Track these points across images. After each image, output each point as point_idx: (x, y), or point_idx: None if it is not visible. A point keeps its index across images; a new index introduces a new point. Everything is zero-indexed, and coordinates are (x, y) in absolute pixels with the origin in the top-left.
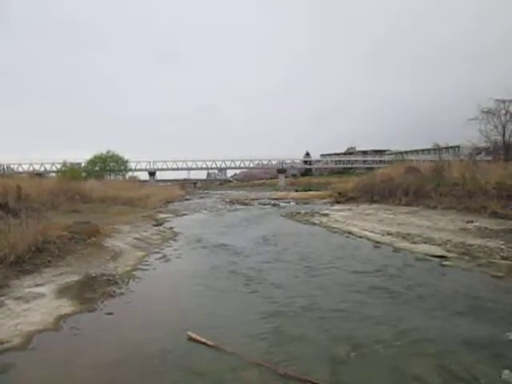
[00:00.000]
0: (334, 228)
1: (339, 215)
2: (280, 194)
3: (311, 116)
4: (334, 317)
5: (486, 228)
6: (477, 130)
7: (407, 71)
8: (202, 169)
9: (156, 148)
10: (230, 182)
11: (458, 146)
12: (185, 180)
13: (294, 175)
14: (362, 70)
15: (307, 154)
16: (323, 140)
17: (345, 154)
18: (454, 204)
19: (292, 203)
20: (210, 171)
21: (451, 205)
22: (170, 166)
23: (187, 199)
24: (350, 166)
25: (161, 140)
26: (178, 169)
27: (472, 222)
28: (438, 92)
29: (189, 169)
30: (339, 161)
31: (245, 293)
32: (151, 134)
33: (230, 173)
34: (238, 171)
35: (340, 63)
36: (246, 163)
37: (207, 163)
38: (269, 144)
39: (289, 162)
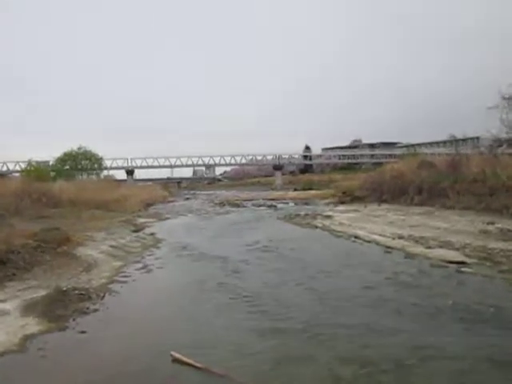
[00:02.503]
0: (339, 232)
1: (344, 217)
2: (276, 193)
3: (310, 105)
4: (338, 333)
5: (510, 230)
6: (497, 120)
7: (419, 56)
8: (186, 166)
9: (134, 143)
10: (220, 180)
11: (478, 138)
12: (168, 179)
13: (292, 172)
14: (367, 54)
15: (307, 148)
16: (324, 132)
17: (350, 147)
18: (474, 203)
19: (290, 204)
20: (196, 169)
21: (470, 204)
22: (150, 164)
23: (170, 201)
24: (355, 161)
25: (139, 133)
26: (159, 166)
27: (493, 223)
28: (455, 79)
29: (172, 166)
30: (343, 155)
31: (236, 307)
32: (127, 127)
33: (218, 170)
34: (228, 168)
35: (342, 46)
36: (238, 159)
37: (193, 160)
38: (263, 137)
39: (286, 157)
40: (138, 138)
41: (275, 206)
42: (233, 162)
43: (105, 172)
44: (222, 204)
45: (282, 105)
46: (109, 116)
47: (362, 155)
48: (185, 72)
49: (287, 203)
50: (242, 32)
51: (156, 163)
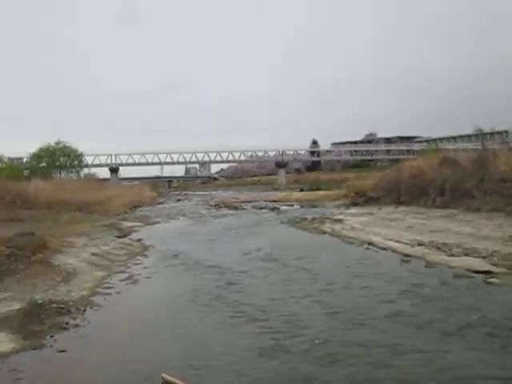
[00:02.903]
0: (351, 238)
1: (356, 221)
2: (280, 194)
3: (318, 93)
4: (351, 352)
5: None
6: None
7: (444, 43)
8: (178, 163)
9: (118, 137)
10: (216, 179)
11: (506, 132)
12: (157, 178)
13: (297, 170)
14: (385, 36)
15: (314, 143)
16: (334, 124)
17: (363, 142)
18: (502, 205)
19: (296, 206)
20: (188, 166)
21: (498, 206)
22: (137, 161)
23: (160, 203)
24: (369, 157)
25: (124, 127)
26: (147, 163)
27: None
28: (482, 67)
29: (161, 163)
30: (356, 151)
31: (234, 323)
32: (112, 120)
33: (214, 168)
34: (225, 166)
35: (354, 26)
36: (236, 155)
37: (185, 156)
38: (264, 130)
39: (291, 153)
40: (124, 130)
41: (278, 209)
42: (230, 158)
43: (86, 170)
44: (218, 206)
45: (285, 93)
46: (91, 105)
47: (376, 151)
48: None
49: (292, 205)
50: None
51: (144, 160)
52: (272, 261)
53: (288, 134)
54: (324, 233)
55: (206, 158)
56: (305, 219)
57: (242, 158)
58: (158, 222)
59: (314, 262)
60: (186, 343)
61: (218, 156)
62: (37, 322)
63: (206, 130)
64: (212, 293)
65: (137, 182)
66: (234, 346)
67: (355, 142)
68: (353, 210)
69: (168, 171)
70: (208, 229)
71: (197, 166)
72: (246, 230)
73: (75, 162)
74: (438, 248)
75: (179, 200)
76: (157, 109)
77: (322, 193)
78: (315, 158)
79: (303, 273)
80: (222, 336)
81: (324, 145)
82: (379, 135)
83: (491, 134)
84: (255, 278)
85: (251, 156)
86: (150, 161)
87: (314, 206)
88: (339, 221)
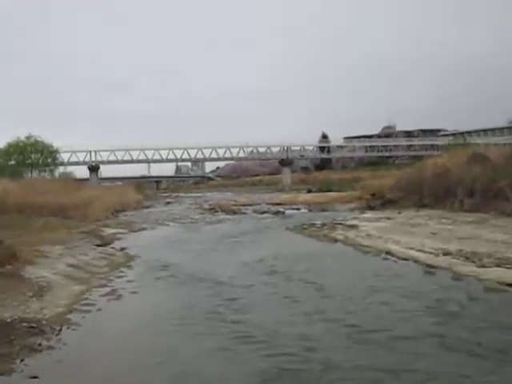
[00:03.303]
0: (366, 246)
1: (373, 227)
2: (285, 196)
3: (329, 81)
4: (367, 378)
5: None
6: None
7: (474, 27)
8: (167, 161)
9: (99, 131)
10: (211, 179)
11: None
12: (143, 178)
13: (304, 169)
14: (408, 20)
15: (324, 138)
16: (347, 117)
17: (380, 136)
18: None
19: (303, 210)
20: (179, 164)
21: None
22: (120, 158)
23: (147, 206)
24: (387, 153)
25: (105, 120)
26: (132, 161)
27: None
28: None
29: (148, 161)
30: (372, 147)
31: (235, 349)
32: (91, 112)
33: (209, 166)
34: (221, 164)
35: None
36: (234, 152)
37: (175, 153)
38: (266, 124)
39: (297, 149)
40: (105, 124)
41: (283, 213)
42: (228, 155)
43: (61, 168)
44: (213, 210)
45: (292, 81)
46: (62, 95)
47: (395, 146)
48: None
49: (298, 209)
50: None
51: (128, 157)
52: (276, 274)
53: (293, 128)
54: (336, 241)
55: (200, 155)
56: (313, 225)
57: (241, 154)
58: (144, 229)
59: (324, 275)
60: (177, 372)
61: (214, 153)
62: (5, 344)
63: (199, 124)
64: (207, 312)
65: (120, 183)
66: (232, 371)
67: (371, 136)
68: (368, 215)
69: (156, 170)
70: (202, 237)
71: (189, 164)
72: (245, 238)
73: (49, 160)
74: (467, 258)
75: (169, 203)
76: (142, 100)
77: (332, 194)
78: (325, 155)
79: (312, 287)
80: (220, 364)
81: (335, 140)
82: (399, 128)
83: None
84: (257, 294)
85: (251, 153)
86: (135, 158)
87: (324, 210)
88: (353, 227)
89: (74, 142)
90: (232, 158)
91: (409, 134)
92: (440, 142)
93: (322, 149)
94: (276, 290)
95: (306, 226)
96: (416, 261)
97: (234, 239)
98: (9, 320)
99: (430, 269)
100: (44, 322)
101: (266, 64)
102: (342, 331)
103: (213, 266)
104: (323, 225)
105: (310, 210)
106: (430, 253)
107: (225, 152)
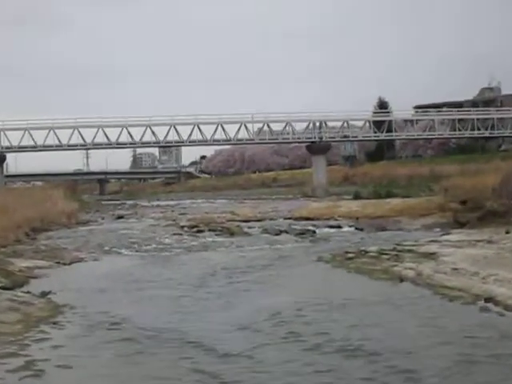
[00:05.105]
0: (453, 288)
1: (464, 256)
2: (315, 205)
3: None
4: None
5: None
6: None
7: None
8: (118, 146)
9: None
10: (192, 177)
11: None
12: (78, 175)
13: (349, 159)
14: None
15: (381, 107)
16: (417, 73)
17: (474, 104)
18: None
19: (346, 228)
20: (139, 153)
21: None
22: (40, 142)
23: (85, 222)
24: (487, 133)
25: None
26: (59, 147)
27: None
28: None
29: (87, 146)
30: (462, 122)
31: None
32: None
33: (189, 155)
34: (209, 150)
35: None
36: (231, 130)
37: (131, 132)
38: (286, 85)
39: (337, 125)
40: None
41: (313, 233)
42: (220, 137)
43: None
44: (195, 229)
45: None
46: None
47: (501, 121)
48: None
49: (339, 227)
50: None
51: (52, 141)
52: (301, 338)
53: (331, 93)
54: (401, 280)
55: (174, 137)
56: (364, 253)
57: (243, 135)
58: (81, 260)
59: (383, 339)
60: None
61: (197, 132)
62: None
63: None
64: None
65: (40, 183)
66: None
67: (460, 105)
68: (456, 236)
69: (99, 162)
70: (178, 273)
71: (156, 152)
72: (248, 277)
73: None
74: None
75: (121, 217)
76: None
77: (396, 202)
78: (384, 136)
79: (364, 360)
80: None
81: (400, 110)
82: (504, 91)
83: None
84: (271, 375)
85: (260, 132)
86: (64, 142)
87: (383, 229)
88: (431, 256)
89: None
90: (228, 141)
91: None
92: None
93: (378, 125)
94: (299, 369)
95: (351, 256)
96: None
97: (229, 279)
98: None
99: None
100: None
101: None
102: None
103: (195, 324)
104: (381, 253)
105: (358, 229)
106: None
107: (215, 130)
